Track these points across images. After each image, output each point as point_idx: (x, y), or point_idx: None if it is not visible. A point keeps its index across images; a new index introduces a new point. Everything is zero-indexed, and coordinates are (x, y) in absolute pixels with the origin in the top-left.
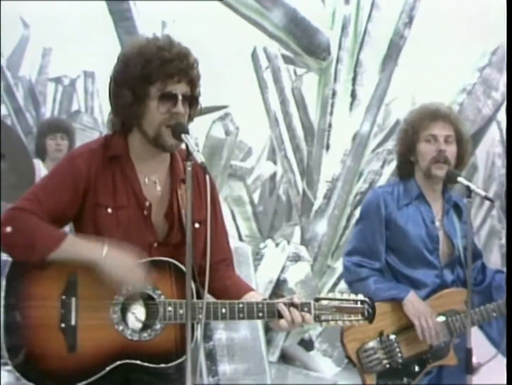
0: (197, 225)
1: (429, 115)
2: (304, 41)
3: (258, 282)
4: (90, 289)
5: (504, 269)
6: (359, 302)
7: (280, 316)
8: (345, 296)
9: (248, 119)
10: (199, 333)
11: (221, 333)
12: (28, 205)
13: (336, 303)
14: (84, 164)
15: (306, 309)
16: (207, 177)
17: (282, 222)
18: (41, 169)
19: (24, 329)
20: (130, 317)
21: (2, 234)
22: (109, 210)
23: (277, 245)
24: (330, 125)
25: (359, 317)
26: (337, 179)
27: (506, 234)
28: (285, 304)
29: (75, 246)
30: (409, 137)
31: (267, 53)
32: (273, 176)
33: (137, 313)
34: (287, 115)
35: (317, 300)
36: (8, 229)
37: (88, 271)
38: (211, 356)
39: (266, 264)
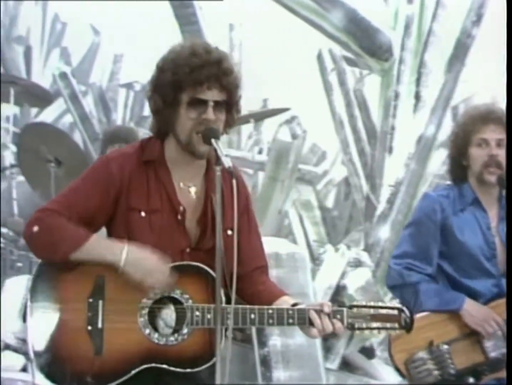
0: (229, 232)
1: (480, 118)
2: (365, 42)
3: (317, 288)
4: (117, 292)
5: None
6: (396, 310)
7: (311, 323)
8: (381, 303)
9: (318, 122)
10: (227, 338)
11: (276, 339)
12: (56, 206)
13: (371, 310)
14: (117, 168)
15: (338, 316)
16: (234, 182)
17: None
18: None
19: (50, 331)
20: (157, 321)
21: (29, 233)
22: (142, 214)
23: (336, 250)
24: (393, 128)
25: (396, 325)
26: (400, 183)
27: (506, 234)
28: (316, 311)
29: (97, 247)
30: (460, 140)
31: (332, 55)
32: (347, 180)
33: (164, 317)
34: (352, 117)
35: (351, 307)
36: (35, 228)
37: (115, 273)
38: (265, 362)
39: (326, 270)
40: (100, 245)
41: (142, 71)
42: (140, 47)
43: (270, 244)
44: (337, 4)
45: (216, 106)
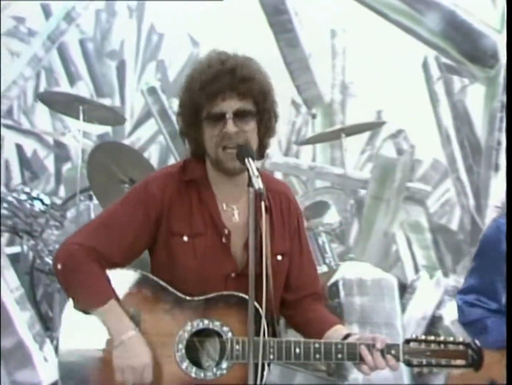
0: (279, 257)
1: None
2: (466, 47)
3: (409, 318)
4: (153, 324)
5: None
6: (461, 346)
7: (363, 358)
8: (443, 338)
9: (424, 136)
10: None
11: (357, 373)
12: (88, 239)
13: (432, 346)
14: (158, 190)
15: (393, 352)
16: (262, 204)
17: None
18: None
19: (83, 363)
20: (196, 355)
21: (54, 267)
22: (185, 238)
23: (432, 277)
24: (499, 143)
25: (462, 362)
26: None
27: (506, 234)
28: (368, 346)
29: (110, 314)
30: None
31: (439, 63)
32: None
33: (203, 351)
34: (459, 131)
35: (408, 342)
36: (59, 266)
37: (152, 306)
38: None
39: (419, 298)
40: (113, 314)
41: None
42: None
43: (353, 269)
44: (433, 6)
45: (238, 116)
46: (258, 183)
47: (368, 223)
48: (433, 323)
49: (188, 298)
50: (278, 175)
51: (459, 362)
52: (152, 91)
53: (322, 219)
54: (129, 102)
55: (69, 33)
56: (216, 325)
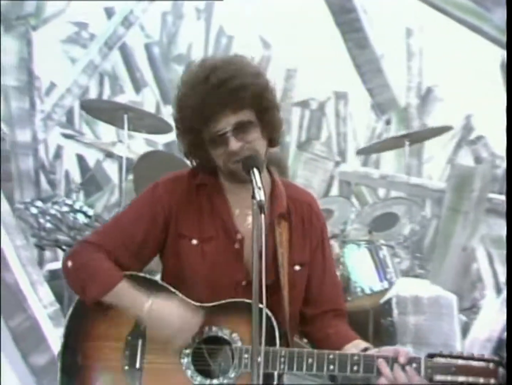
0: (297, 268)
1: None
2: None
3: (473, 339)
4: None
5: None
6: (491, 363)
7: (381, 372)
8: (471, 353)
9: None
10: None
11: None
12: (97, 239)
13: (457, 361)
14: (166, 192)
15: (414, 365)
16: (262, 217)
17: None
18: None
19: (85, 370)
20: (203, 363)
21: (64, 267)
22: (194, 242)
23: (498, 295)
24: None
25: (491, 381)
26: None
27: (506, 234)
28: (387, 359)
29: (122, 295)
30: None
31: None
32: None
33: (210, 359)
34: None
35: (431, 356)
36: (69, 263)
37: None
38: None
39: (484, 319)
40: (125, 295)
41: (317, 87)
42: (311, 60)
43: (408, 286)
44: (500, 2)
45: (240, 128)
46: (260, 195)
47: (445, 237)
48: (501, 346)
49: (196, 304)
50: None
51: (488, 380)
52: None
53: (390, 231)
54: None
55: (133, 38)
56: (225, 333)
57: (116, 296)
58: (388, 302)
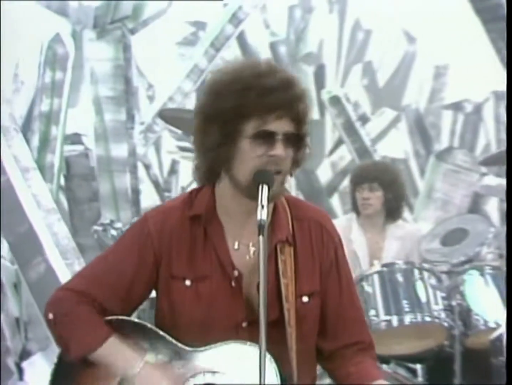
0: (305, 299)
1: None
2: None
3: None
4: (149, 380)
5: None
6: None
7: None
8: None
9: None
10: None
11: None
12: (80, 284)
13: None
14: (155, 228)
15: None
16: (261, 238)
17: None
18: (353, 226)
19: None
20: None
21: (45, 318)
22: (187, 283)
23: None
24: None
25: None
26: None
27: (506, 235)
28: None
29: (109, 354)
30: None
31: None
32: None
33: None
34: None
35: None
36: (50, 315)
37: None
38: None
39: None
40: (113, 353)
41: (472, 87)
42: (464, 55)
43: None
44: None
45: (286, 139)
46: (261, 214)
47: None
48: None
49: (189, 349)
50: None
51: None
52: (335, 101)
53: None
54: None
55: (256, 36)
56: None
57: (102, 354)
58: (499, 338)
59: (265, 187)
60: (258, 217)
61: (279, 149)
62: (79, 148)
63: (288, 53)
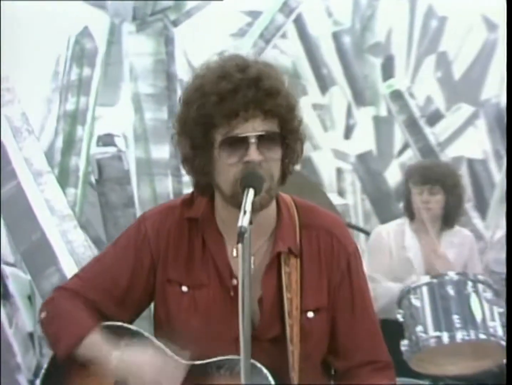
0: (310, 315)
1: None
2: None
3: None
4: None
5: None
6: None
7: None
8: None
9: None
10: None
11: None
12: (75, 284)
13: None
14: (152, 228)
15: None
16: (240, 247)
17: None
18: (406, 232)
19: None
20: None
21: (39, 319)
22: (184, 289)
23: None
24: None
25: None
26: None
27: (506, 235)
28: None
29: (92, 348)
30: None
31: None
32: None
33: None
34: None
35: None
36: (42, 314)
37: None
38: None
39: None
40: (95, 347)
41: None
42: None
43: None
44: None
45: (263, 140)
46: (242, 220)
47: None
48: None
49: (184, 362)
50: None
51: None
52: (396, 96)
53: None
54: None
55: (317, 26)
56: None
57: (87, 348)
58: None
59: (251, 191)
60: (239, 224)
61: (253, 154)
62: (111, 150)
63: (353, 44)
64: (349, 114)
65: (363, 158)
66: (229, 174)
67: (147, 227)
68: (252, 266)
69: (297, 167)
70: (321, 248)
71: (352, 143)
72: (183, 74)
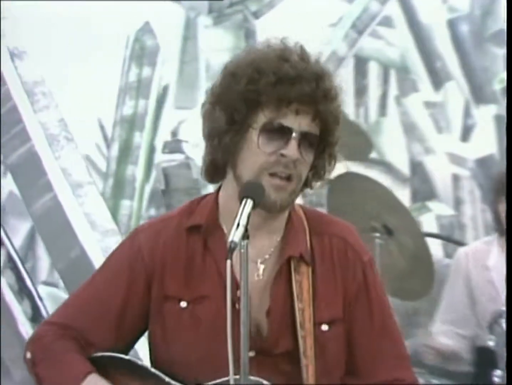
0: (324, 327)
1: None
2: None
3: None
4: None
5: None
6: None
7: None
8: None
9: None
10: None
11: None
12: (62, 316)
13: None
14: (148, 241)
15: None
16: (228, 262)
17: None
18: (491, 252)
19: None
20: None
21: (25, 358)
22: (182, 304)
23: None
24: None
25: None
26: None
27: (506, 234)
28: None
29: None
30: None
31: None
32: None
33: None
34: None
35: None
36: (28, 354)
37: None
38: None
39: None
40: None
41: None
42: None
43: None
44: None
45: (304, 140)
46: (234, 234)
47: None
48: None
49: None
50: None
51: None
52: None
53: None
54: None
55: (430, 13)
56: None
57: None
58: None
59: (249, 203)
60: (230, 238)
61: (292, 149)
62: (178, 157)
63: (472, 33)
64: (466, 113)
65: (483, 163)
66: (257, 162)
67: (141, 241)
68: (261, 276)
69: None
70: (334, 256)
71: (470, 146)
72: None
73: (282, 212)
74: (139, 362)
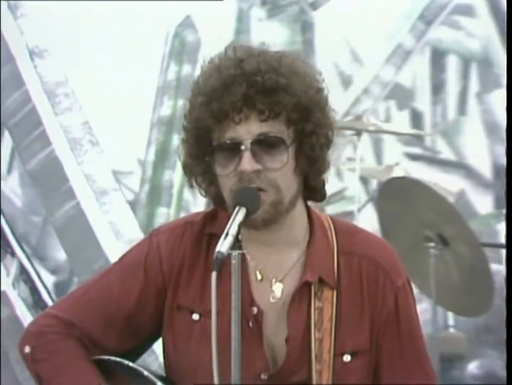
0: (347, 358)
1: None
2: None
3: None
4: None
5: None
6: None
7: None
8: None
9: None
10: None
11: None
12: (69, 311)
13: None
14: (166, 244)
15: None
16: (214, 274)
17: None
18: None
19: None
20: None
21: (20, 350)
22: (195, 317)
23: None
24: None
25: None
26: None
27: (506, 234)
28: None
29: None
30: None
31: None
32: None
33: None
34: None
35: None
36: (26, 349)
37: None
38: None
39: None
40: None
41: None
42: None
43: None
44: None
45: (261, 145)
46: (222, 246)
47: None
48: None
49: None
50: None
51: None
52: None
53: None
54: None
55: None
56: None
57: None
58: None
59: (241, 211)
60: (217, 248)
61: (246, 163)
62: None
63: None
64: None
65: None
66: (226, 187)
67: (161, 242)
68: (278, 296)
69: None
70: (363, 280)
71: None
72: (326, 67)
73: (272, 225)
74: (145, 373)
